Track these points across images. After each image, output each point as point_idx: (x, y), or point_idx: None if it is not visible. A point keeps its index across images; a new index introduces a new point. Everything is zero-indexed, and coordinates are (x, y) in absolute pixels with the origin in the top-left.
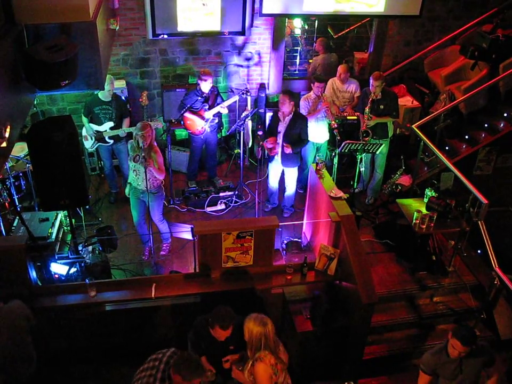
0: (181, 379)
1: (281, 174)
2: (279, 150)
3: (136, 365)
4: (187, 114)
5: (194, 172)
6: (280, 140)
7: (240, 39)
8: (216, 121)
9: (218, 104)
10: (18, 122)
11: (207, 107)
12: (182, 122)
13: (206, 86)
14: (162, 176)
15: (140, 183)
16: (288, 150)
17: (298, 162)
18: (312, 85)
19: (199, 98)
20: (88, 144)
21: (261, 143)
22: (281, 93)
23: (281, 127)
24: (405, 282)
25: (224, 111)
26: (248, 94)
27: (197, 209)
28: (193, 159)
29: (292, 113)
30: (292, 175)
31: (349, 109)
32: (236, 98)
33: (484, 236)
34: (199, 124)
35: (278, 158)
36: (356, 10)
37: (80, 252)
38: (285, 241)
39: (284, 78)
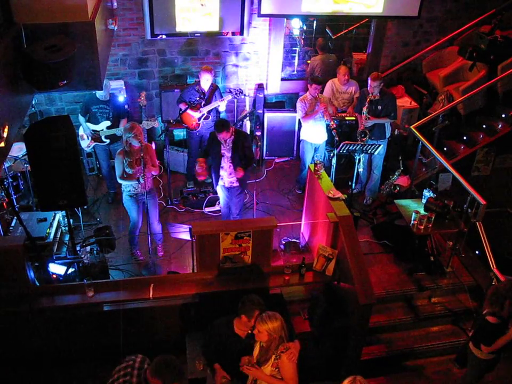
0: (161, 383)
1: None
2: (229, 175)
3: None
4: (183, 107)
5: (193, 170)
6: (225, 163)
7: (238, 40)
8: (210, 119)
9: (214, 101)
10: (17, 122)
11: (203, 103)
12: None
13: (204, 82)
14: (158, 171)
15: (141, 186)
16: (241, 174)
17: (246, 183)
18: (309, 86)
19: (197, 93)
20: (85, 143)
21: (259, 143)
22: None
23: (225, 150)
24: (403, 282)
25: (222, 109)
26: (242, 95)
27: (195, 210)
28: (190, 155)
29: (233, 135)
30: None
31: (351, 109)
32: (229, 97)
33: (481, 236)
34: (193, 118)
35: (222, 182)
36: (354, 11)
37: (78, 252)
38: (283, 242)
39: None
